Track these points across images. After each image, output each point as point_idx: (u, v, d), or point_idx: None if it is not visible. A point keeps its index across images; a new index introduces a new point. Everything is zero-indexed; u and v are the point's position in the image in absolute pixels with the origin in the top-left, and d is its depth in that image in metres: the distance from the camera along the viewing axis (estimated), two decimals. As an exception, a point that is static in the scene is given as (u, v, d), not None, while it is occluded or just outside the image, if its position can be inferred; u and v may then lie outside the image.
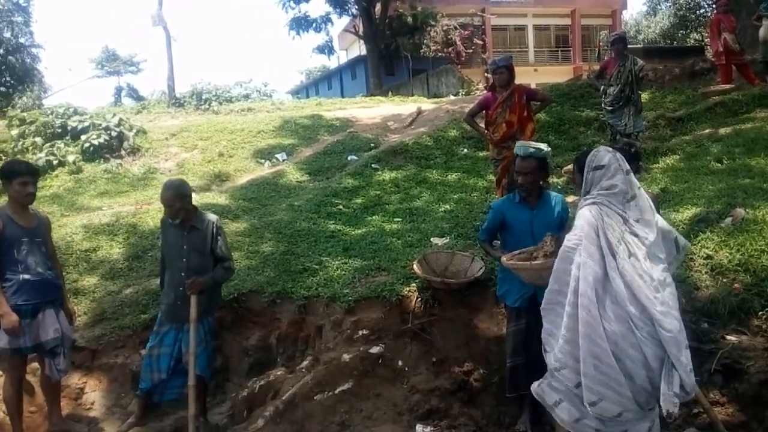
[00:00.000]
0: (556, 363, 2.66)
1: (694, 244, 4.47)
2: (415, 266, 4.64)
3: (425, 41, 28.41)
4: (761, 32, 9.63)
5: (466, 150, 10.19)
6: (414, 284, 4.74)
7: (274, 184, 9.20)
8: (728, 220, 4.69)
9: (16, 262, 3.88)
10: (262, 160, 10.85)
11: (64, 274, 4.79)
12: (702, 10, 30.89)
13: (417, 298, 4.63)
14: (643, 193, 2.79)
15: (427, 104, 15.12)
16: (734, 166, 6.42)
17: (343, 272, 5.31)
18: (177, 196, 4.13)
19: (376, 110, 14.82)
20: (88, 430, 4.33)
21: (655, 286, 2.54)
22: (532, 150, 3.69)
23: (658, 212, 2.93)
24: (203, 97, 18.99)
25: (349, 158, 10.33)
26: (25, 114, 11.94)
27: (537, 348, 3.44)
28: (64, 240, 6.68)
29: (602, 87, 7.99)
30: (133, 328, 5.04)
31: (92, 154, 10.62)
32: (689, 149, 7.71)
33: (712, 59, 11.37)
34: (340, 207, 7.75)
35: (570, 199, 5.29)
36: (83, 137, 10.78)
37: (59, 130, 11.06)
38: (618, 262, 2.54)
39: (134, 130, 11.57)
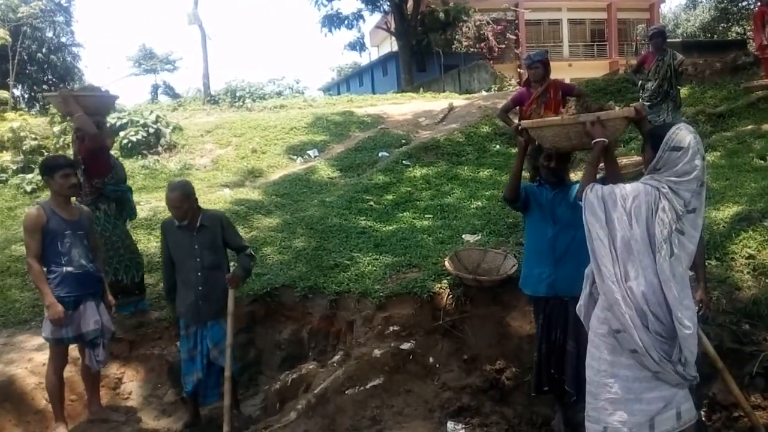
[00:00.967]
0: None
1: (736, 244, 4.35)
2: (446, 263, 4.63)
3: (457, 37, 28.23)
4: (808, 25, 9.27)
5: (498, 146, 10.10)
6: (445, 281, 4.72)
7: (305, 180, 9.29)
8: (772, 218, 4.56)
9: (59, 255, 3.98)
10: (294, 157, 10.96)
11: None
12: (744, 3, 29.85)
13: (448, 295, 4.61)
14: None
15: (458, 100, 15.00)
16: (778, 164, 6.23)
17: (374, 268, 5.32)
18: (183, 196, 4.02)
19: (407, 106, 14.79)
20: (125, 419, 4.43)
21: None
22: None
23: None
24: (237, 95, 19.28)
25: (380, 154, 10.35)
26: (66, 111, 12.29)
27: (560, 343, 3.38)
28: (103, 234, 6.85)
29: (640, 82, 7.82)
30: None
31: (130, 151, 10.91)
32: (730, 146, 7.49)
33: (756, 53, 10.96)
34: (371, 203, 7.78)
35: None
36: (122, 134, 11.06)
37: (98, 127, 11.36)
38: (657, 260, 2.46)
39: (171, 127, 11.83)
